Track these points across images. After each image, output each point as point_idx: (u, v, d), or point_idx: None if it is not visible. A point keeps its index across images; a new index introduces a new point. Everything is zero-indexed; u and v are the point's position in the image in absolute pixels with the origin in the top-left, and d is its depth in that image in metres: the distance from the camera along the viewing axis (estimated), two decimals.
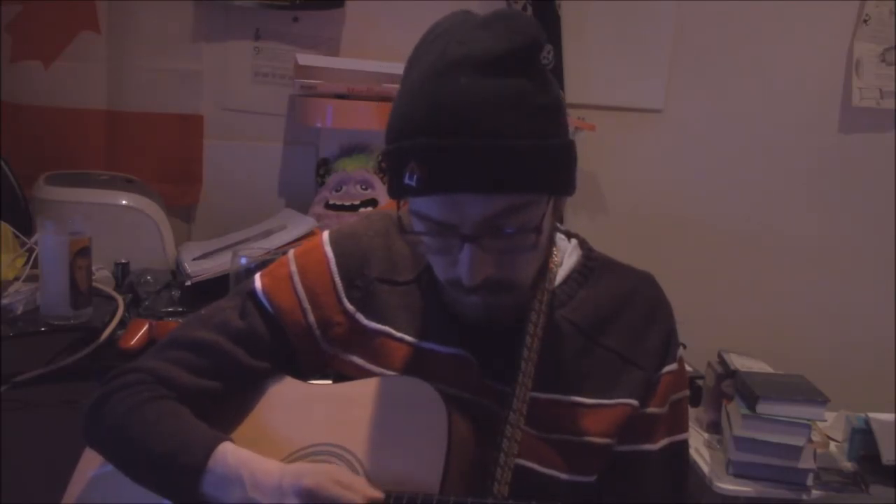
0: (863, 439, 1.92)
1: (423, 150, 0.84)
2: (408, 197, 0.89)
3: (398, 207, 0.95)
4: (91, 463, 1.04)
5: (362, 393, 0.99)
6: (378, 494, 0.88)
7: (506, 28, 0.87)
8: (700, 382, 2.05)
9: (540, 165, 0.86)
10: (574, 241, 1.09)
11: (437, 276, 0.98)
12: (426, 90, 0.85)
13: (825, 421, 1.89)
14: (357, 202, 1.99)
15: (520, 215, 0.88)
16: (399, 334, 1.02)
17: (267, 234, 1.87)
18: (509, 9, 0.90)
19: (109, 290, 1.68)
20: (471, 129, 0.83)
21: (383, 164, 0.93)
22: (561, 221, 1.06)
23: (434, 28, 0.92)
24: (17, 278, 1.60)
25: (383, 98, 1.91)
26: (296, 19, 2.11)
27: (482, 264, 0.88)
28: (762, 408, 1.80)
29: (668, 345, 1.05)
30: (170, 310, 1.64)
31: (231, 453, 0.92)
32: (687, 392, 1.09)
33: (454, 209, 0.86)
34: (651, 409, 1.03)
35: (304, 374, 1.06)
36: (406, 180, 0.85)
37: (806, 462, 1.81)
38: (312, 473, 0.88)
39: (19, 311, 1.52)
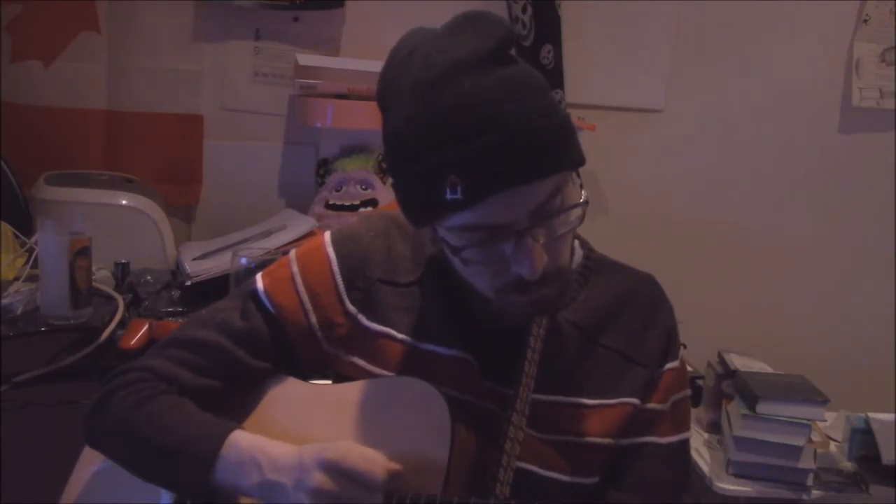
0: (863, 439, 1.92)
1: (461, 159, 0.83)
2: (453, 213, 0.86)
3: (434, 232, 0.93)
4: (89, 462, 1.04)
5: (364, 393, 0.99)
6: (397, 467, 0.88)
7: (479, 27, 0.88)
8: (700, 382, 2.04)
9: (562, 140, 0.87)
10: (575, 241, 1.09)
11: (453, 282, 0.97)
12: (431, 103, 0.84)
13: (825, 421, 1.89)
14: (357, 202, 1.98)
15: (563, 194, 0.89)
16: (400, 336, 1.02)
17: (267, 234, 1.87)
18: (469, 11, 0.91)
19: (109, 290, 1.67)
20: (497, 123, 0.83)
21: (397, 186, 0.91)
22: None
23: (397, 51, 0.92)
24: (17, 278, 1.60)
25: None
26: (296, 19, 2.11)
27: (540, 254, 0.88)
28: (762, 408, 1.80)
29: (669, 343, 1.06)
30: (170, 310, 1.64)
31: (244, 439, 0.92)
32: (689, 392, 1.09)
33: (506, 207, 0.85)
34: (652, 405, 1.04)
35: (304, 375, 1.06)
36: (448, 196, 0.84)
37: (806, 462, 1.81)
38: (333, 447, 0.89)
39: (19, 311, 1.52)
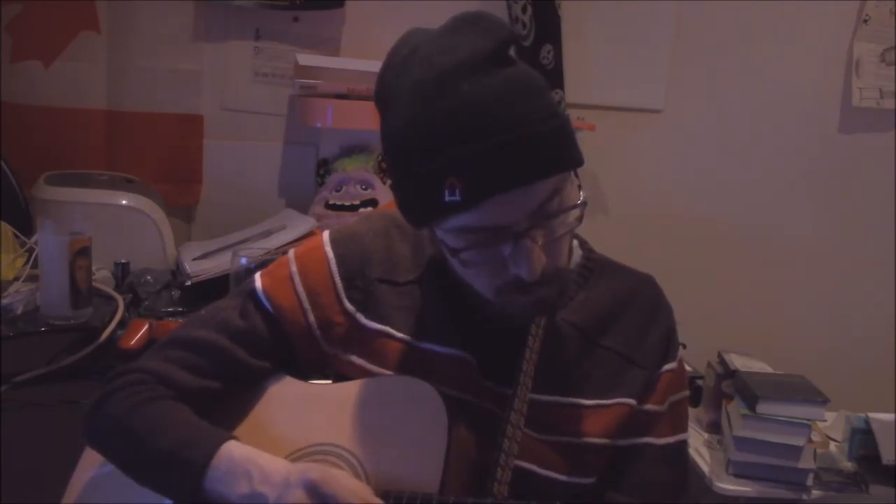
0: (863, 439, 1.92)
1: (460, 161, 0.83)
2: (451, 215, 0.86)
3: (433, 233, 0.93)
4: (91, 463, 1.04)
5: (362, 392, 0.99)
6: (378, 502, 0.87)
7: (479, 28, 0.88)
8: (700, 382, 2.05)
9: (563, 141, 0.87)
10: (574, 241, 1.09)
11: (452, 282, 0.97)
12: (431, 104, 0.84)
13: (825, 421, 1.89)
14: (357, 202, 1.98)
15: (562, 195, 0.89)
16: (399, 335, 1.02)
17: (267, 234, 1.87)
18: (469, 11, 0.91)
19: (109, 290, 1.67)
20: (498, 125, 0.83)
21: (396, 187, 0.91)
22: None
23: (397, 51, 0.91)
24: (17, 278, 1.60)
25: None
26: (296, 19, 2.11)
27: (539, 255, 0.88)
28: (762, 408, 1.80)
29: (668, 344, 1.06)
30: (170, 310, 1.64)
31: (237, 450, 0.92)
32: (687, 393, 1.09)
33: (505, 209, 0.85)
34: (649, 406, 1.04)
35: (304, 374, 1.06)
36: (447, 198, 0.83)
37: (806, 462, 1.81)
38: (320, 469, 0.88)
39: (19, 311, 1.52)
